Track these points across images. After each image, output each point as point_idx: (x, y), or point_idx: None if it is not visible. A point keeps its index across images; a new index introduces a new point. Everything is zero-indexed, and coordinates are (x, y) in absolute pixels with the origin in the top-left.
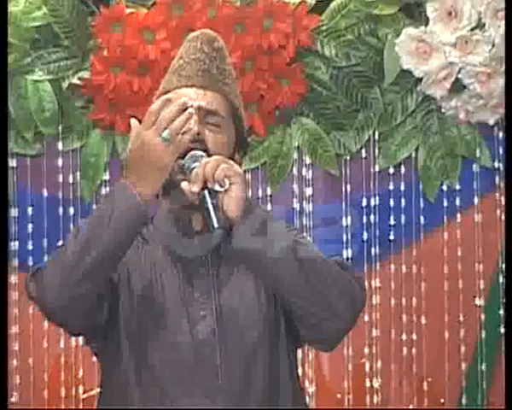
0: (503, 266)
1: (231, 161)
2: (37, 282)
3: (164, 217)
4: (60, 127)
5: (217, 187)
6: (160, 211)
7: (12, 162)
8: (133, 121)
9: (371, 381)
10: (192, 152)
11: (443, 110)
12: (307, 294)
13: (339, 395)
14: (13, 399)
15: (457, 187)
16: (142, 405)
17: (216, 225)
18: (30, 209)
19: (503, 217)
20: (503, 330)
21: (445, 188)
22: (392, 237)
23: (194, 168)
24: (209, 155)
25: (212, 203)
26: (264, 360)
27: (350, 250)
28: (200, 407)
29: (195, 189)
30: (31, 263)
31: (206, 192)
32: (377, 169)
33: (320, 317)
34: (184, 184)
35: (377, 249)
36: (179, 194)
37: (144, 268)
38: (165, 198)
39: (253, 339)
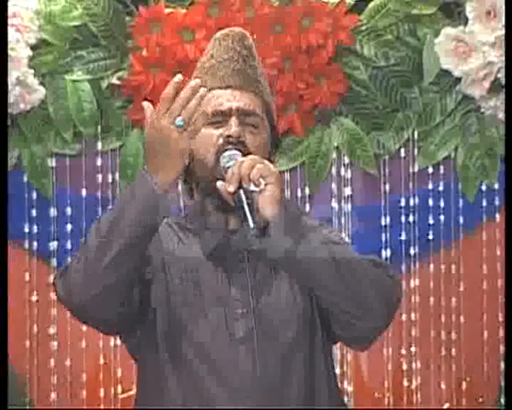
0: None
1: (267, 161)
2: (63, 281)
3: (198, 215)
4: (99, 127)
5: (252, 187)
6: (194, 210)
7: (51, 162)
8: (146, 104)
9: (410, 381)
10: (227, 151)
11: (482, 110)
12: (342, 292)
13: (376, 394)
14: (51, 398)
15: (496, 187)
16: (179, 402)
17: (252, 226)
18: (69, 209)
19: None
20: None
21: (484, 188)
22: (431, 237)
23: (229, 167)
24: (245, 155)
25: (248, 203)
26: (302, 358)
27: (389, 250)
28: (230, 407)
29: (231, 188)
30: None
31: (241, 192)
32: (416, 169)
33: (355, 316)
34: (220, 184)
35: (416, 249)
36: (214, 193)
37: (180, 266)
38: (200, 197)
39: (291, 337)
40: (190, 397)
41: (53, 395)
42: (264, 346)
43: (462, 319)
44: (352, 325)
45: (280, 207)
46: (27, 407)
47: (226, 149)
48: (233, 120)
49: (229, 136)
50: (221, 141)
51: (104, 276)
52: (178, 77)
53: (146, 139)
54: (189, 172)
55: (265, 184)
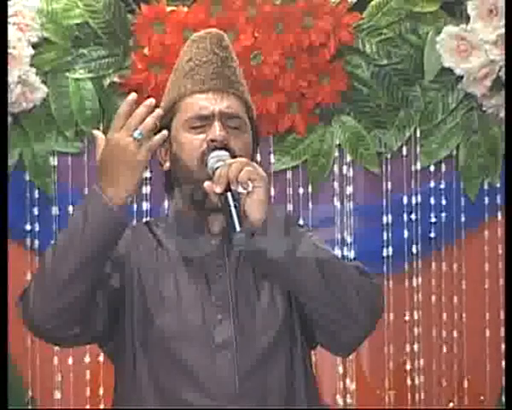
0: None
1: (255, 164)
2: (23, 302)
3: (180, 218)
4: (101, 126)
5: (240, 189)
6: (174, 212)
7: (53, 161)
8: (96, 132)
9: (412, 379)
10: (215, 152)
11: (484, 108)
12: (327, 300)
13: (378, 391)
14: (55, 397)
15: (498, 185)
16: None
17: (238, 229)
18: (71, 208)
19: None
20: None
21: (486, 186)
22: (432, 236)
23: (217, 168)
24: (232, 156)
25: (235, 205)
26: (281, 364)
27: (391, 248)
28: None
29: (218, 189)
30: None
31: (228, 194)
32: (418, 167)
33: (340, 324)
34: (207, 184)
35: (418, 248)
36: (198, 197)
37: (158, 271)
38: (183, 201)
39: (270, 343)
40: (167, 404)
41: (56, 394)
42: (245, 351)
43: (464, 317)
44: (337, 334)
45: (269, 210)
46: (29, 407)
47: (213, 150)
48: (216, 125)
49: (213, 140)
50: (205, 146)
51: (62, 295)
52: (133, 95)
53: (101, 156)
54: (171, 178)
55: (253, 187)
